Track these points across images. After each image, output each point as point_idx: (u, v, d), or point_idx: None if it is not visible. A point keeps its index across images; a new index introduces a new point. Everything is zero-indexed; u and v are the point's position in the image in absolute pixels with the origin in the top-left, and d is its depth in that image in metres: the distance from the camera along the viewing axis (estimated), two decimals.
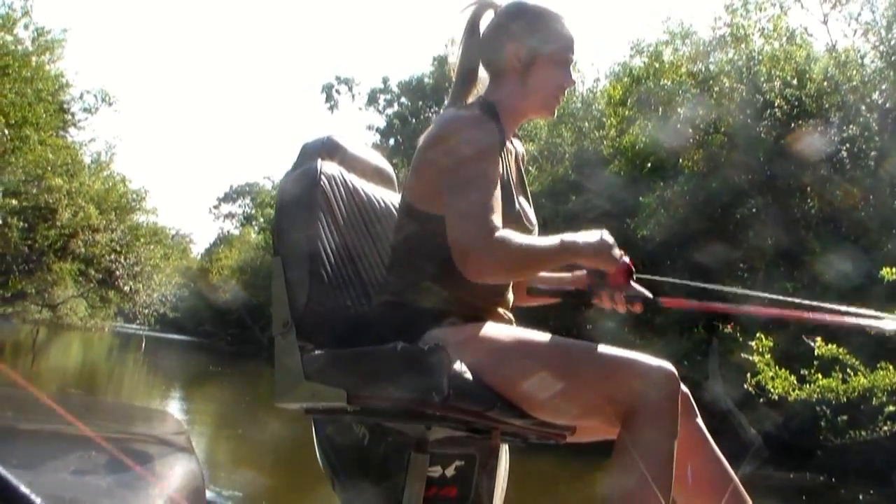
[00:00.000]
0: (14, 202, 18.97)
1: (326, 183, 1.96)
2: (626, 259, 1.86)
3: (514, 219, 1.86)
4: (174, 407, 12.22)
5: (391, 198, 2.19)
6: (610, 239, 1.82)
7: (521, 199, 1.97)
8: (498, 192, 1.80)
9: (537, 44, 1.94)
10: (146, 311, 33.14)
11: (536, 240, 1.83)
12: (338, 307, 1.87)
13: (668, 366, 1.70)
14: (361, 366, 1.74)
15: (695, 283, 2.36)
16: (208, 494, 1.28)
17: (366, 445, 1.92)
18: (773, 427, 9.85)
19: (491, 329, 1.80)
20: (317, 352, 1.79)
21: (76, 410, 1.43)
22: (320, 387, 1.74)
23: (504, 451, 2.10)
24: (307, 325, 1.81)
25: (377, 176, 2.19)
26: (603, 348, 1.75)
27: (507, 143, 1.97)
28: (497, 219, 1.75)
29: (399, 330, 1.75)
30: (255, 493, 5.95)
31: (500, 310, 1.94)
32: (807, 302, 1.96)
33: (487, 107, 1.93)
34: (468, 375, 1.64)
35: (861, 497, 8.11)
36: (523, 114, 2.03)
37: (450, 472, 1.95)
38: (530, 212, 1.99)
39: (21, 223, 22.60)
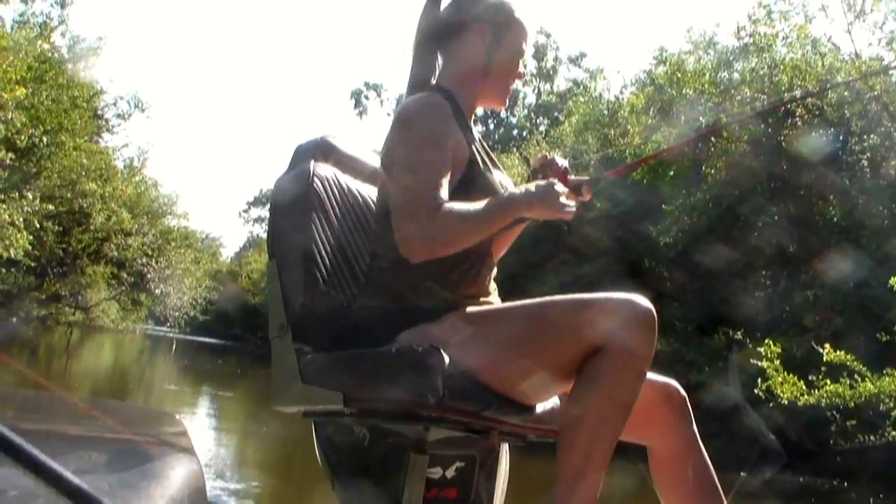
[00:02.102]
0: (50, 206, 19.36)
1: (320, 184, 1.93)
2: (559, 160, 1.89)
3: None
4: (204, 407, 12.47)
5: None
6: (557, 188, 1.77)
7: (500, 175, 1.94)
8: (446, 177, 1.75)
9: (501, 30, 1.93)
10: (177, 313, 33.54)
11: (478, 206, 1.73)
12: (334, 309, 1.83)
13: (641, 300, 1.64)
14: (357, 368, 1.71)
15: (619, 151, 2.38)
16: (210, 495, 1.29)
17: (366, 446, 1.91)
18: (788, 431, 9.91)
19: (484, 323, 1.75)
20: (313, 354, 1.77)
21: (79, 411, 1.56)
22: (317, 389, 1.72)
23: (504, 452, 2.10)
24: (303, 327, 1.79)
25: (372, 176, 2.13)
26: (572, 296, 1.72)
27: (472, 127, 1.96)
28: (441, 197, 1.70)
29: (395, 330, 1.74)
30: (279, 489, 6.14)
31: (491, 301, 1.91)
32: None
33: (446, 94, 1.89)
34: (464, 375, 1.62)
35: (871, 501, 8.16)
36: (479, 100, 1.99)
37: (450, 473, 1.94)
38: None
39: (56, 227, 23.04)
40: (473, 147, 1.87)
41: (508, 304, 1.82)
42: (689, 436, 1.89)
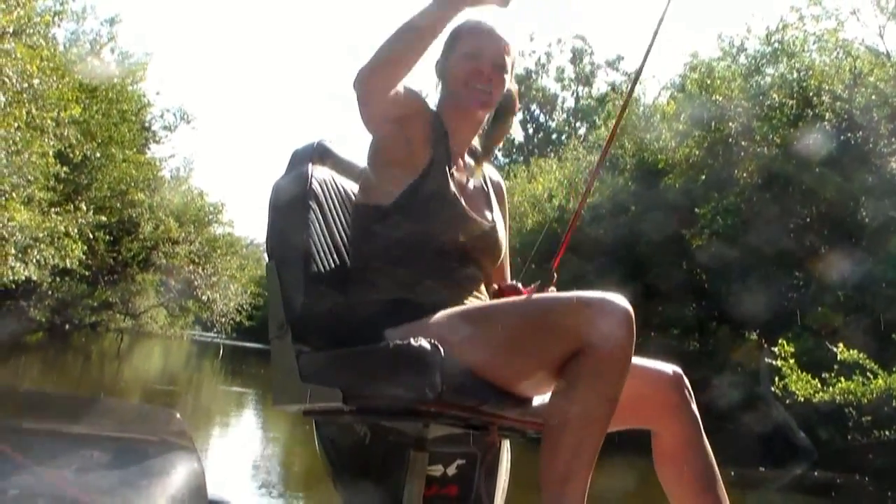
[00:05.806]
0: (101, 217, 20.02)
1: (318, 186, 1.95)
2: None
3: (450, 207, 1.88)
4: (250, 410, 12.90)
5: None
6: None
7: (471, 200, 1.96)
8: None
9: (448, 48, 2.00)
10: (223, 319, 34.00)
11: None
12: (332, 308, 1.85)
13: (616, 299, 1.63)
14: (356, 365, 1.71)
15: None
16: (210, 493, 1.28)
17: (366, 444, 1.91)
18: (813, 429, 10.08)
19: (477, 318, 1.76)
20: (312, 353, 1.78)
21: (80, 410, 1.56)
22: (317, 388, 1.72)
23: (506, 449, 2.10)
24: (303, 327, 1.80)
25: None
26: (553, 294, 1.77)
27: (457, 149, 2.00)
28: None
29: (390, 327, 1.75)
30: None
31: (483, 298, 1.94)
32: None
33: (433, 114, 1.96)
34: (461, 370, 1.61)
35: (890, 495, 8.26)
36: (456, 118, 2.00)
37: (451, 470, 1.95)
38: (482, 218, 1.97)
39: (107, 237, 23.73)
40: (436, 158, 1.90)
41: (500, 300, 1.86)
42: (692, 421, 1.88)
